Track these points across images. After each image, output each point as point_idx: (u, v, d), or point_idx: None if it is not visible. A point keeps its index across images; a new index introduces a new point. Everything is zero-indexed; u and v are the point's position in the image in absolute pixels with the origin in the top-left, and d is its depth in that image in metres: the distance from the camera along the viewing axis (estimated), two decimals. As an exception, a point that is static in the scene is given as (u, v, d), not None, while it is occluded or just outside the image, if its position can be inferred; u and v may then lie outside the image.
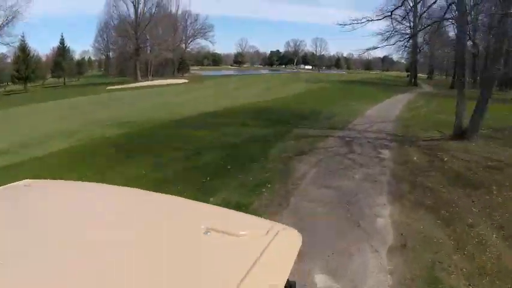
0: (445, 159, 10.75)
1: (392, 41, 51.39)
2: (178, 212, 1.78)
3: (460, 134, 13.79)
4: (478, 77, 48.73)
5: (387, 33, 37.75)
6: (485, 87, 14.18)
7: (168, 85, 46.84)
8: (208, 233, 1.42)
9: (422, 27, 50.63)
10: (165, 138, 13.46)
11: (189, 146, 11.81)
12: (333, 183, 8.32)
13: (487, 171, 9.76)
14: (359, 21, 15.62)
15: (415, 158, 10.73)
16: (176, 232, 1.50)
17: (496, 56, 13.97)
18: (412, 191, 8.10)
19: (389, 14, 16.93)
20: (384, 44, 50.66)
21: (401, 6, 22.58)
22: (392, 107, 24.69)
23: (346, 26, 15.73)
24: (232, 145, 12.02)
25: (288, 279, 1.27)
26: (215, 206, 2.02)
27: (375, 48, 18.29)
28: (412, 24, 50.18)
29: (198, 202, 2.02)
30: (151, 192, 2.05)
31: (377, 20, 16.64)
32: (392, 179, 8.80)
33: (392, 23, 22.89)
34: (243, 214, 1.86)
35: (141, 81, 55.22)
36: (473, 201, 7.56)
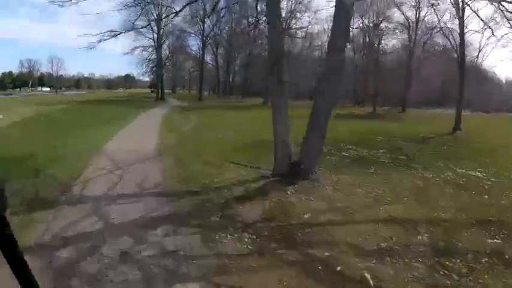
0: (343, 267, 3.90)
1: (137, 52, 44.93)
2: None
3: (291, 170, 7.60)
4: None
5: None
6: (325, 92, 8.17)
7: None
8: None
9: (166, 39, 46.22)
10: None
11: None
12: None
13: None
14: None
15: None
16: None
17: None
18: None
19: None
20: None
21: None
22: (146, 129, 17.58)
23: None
24: None
25: None
26: None
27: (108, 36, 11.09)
28: (156, 36, 44.14)
29: None
30: None
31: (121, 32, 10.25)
32: None
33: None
34: None
35: None
36: None
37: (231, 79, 60.53)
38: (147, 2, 42.94)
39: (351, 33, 43.61)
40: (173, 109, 31.58)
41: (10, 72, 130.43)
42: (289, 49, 46.36)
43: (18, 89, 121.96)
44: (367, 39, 44.07)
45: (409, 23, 35.90)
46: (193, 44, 54.70)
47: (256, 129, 17.75)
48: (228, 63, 56.23)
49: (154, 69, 46.15)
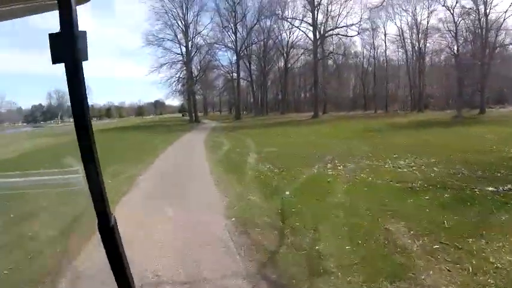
0: None
1: (164, 68, 37.71)
2: None
3: None
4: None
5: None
6: None
7: None
8: None
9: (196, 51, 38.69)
10: None
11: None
12: None
13: None
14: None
15: None
16: None
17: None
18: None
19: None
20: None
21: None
22: (190, 170, 9.74)
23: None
24: None
25: None
26: None
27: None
28: (184, 49, 37.00)
29: None
30: None
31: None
32: None
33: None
34: None
35: None
36: None
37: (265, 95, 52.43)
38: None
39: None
40: (215, 132, 23.67)
41: (40, 105, 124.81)
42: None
43: (51, 122, 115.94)
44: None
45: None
46: (223, 58, 47.04)
47: (381, 152, 9.98)
48: (264, 77, 48.15)
49: (184, 86, 38.19)
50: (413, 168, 8.09)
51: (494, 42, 28.98)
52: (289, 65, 47.90)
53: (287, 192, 6.16)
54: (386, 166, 8.46)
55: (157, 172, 9.12)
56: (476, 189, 6.01)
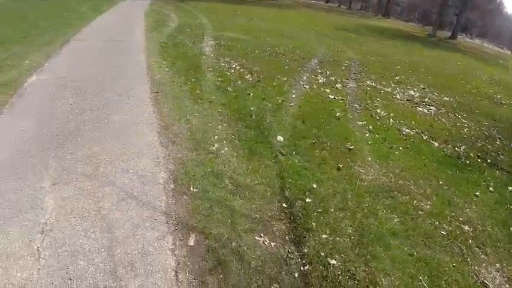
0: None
1: None
2: None
3: None
4: None
5: None
6: None
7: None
8: None
9: None
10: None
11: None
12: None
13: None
14: None
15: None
16: None
17: None
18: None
19: None
20: None
21: None
22: (119, 48, 6.54)
23: None
24: None
25: None
26: None
27: None
28: None
29: None
30: None
31: None
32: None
33: None
34: None
35: None
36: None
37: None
38: None
39: None
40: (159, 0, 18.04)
41: None
42: None
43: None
44: None
45: None
46: None
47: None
48: None
49: None
50: (432, 108, 5.66)
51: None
52: None
53: (280, 138, 3.45)
54: (397, 96, 5.94)
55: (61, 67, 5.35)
56: None
